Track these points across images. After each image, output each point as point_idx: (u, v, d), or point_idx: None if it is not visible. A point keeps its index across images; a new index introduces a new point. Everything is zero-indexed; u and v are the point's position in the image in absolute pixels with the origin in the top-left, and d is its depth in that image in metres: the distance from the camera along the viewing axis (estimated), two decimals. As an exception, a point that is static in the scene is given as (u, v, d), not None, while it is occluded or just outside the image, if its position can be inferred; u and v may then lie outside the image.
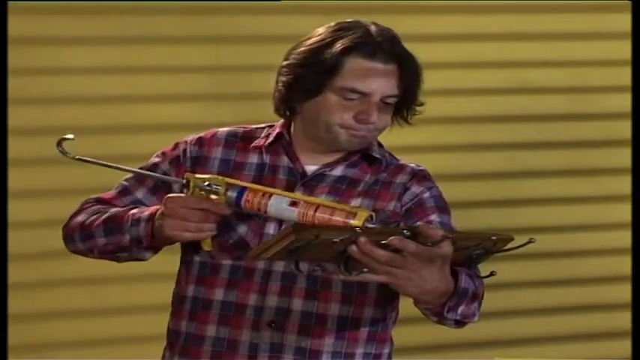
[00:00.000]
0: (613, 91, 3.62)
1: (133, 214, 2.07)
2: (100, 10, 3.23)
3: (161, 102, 3.32)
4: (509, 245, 1.89)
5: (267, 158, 2.13)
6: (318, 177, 2.11)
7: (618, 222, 3.60)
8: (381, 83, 2.04)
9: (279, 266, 2.06)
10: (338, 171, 2.12)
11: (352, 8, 3.27)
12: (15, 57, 3.10)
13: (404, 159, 2.19)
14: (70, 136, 2.03)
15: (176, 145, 2.18)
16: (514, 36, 3.57)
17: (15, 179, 3.01)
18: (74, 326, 3.31)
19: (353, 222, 1.88)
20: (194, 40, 3.34)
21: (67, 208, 2.98)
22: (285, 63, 2.09)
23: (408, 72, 2.06)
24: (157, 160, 2.18)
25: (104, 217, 2.11)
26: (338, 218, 1.90)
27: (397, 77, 2.05)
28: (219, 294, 2.09)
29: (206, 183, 1.99)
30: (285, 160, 2.13)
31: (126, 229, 2.07)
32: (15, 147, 3.01)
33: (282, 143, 2.14)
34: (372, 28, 2.07)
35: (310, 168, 2.12)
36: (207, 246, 2.04)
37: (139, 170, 2.10)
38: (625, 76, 3.42)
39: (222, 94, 3.36)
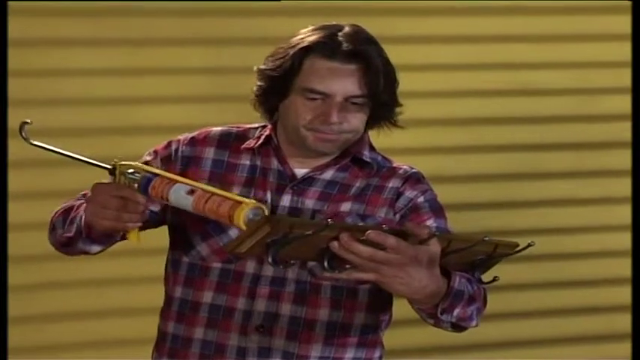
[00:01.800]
0: (615, 93, 3.61)
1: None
2: (100, 12, 3.22)
3: (163, 104, 3.32)
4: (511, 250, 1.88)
5: (258, 160, 2.12)
6: (308, 180, 2.10)
7: (621, 224, 3.60)
8: (341, 83, 2.01)
9: (269, 270, 2.05)
10: (328, 175, 2.11)
11: (354, 9, 3.27)
12: (15, 59, 3.09)
13: (398, 161, 2.16)
14: (28, 120, 2.00)
15: (169, 144, 2.16)
16: (515, 38, 3.57)
17: (15, 181, 3.01)
18: (74, 328, 3.31)
19: (237, 214, 1.81)
20: (196, 42, 3.33)
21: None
22: (257, 68, 2.09)
23: (372, 72, 2.02)
24: (148, 158, 2.15)
25: (65, 206, 2.09)
26: (225, 208, 1.83)
27: (360, 77, 2.02)
28: (207, 297, 2.07)
29: (130, 170, 1.94)
30: (275, 163, 2.11)
31: (76, 219, 2.03)
32: (15, 149, 3.01)
33: (271, 146, 2.12)
34: (345, 29, 2.05)
35: (300, 171, 2.11)
36: (132, 238, 1.97)
37: (84, 158, 1.99)
38: (627, 77, 3.42)
39: (225, 96, 3.36)
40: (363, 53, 2.02)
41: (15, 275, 2.94)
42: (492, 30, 3.56)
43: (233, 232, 2.05)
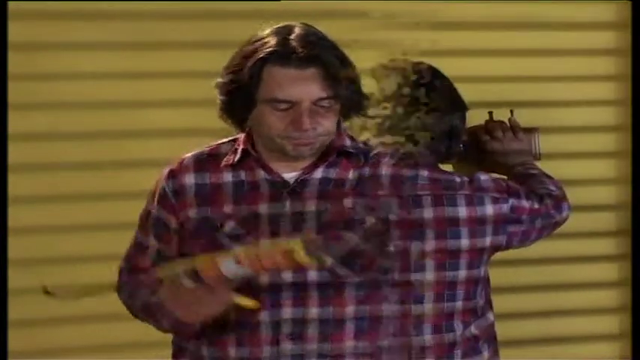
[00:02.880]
0: (614, 105, 3.60)
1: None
2: (104, 14, 3.21)
3: (169, 107, 3.30)
4: None
5: (242, 175, 2.11)
6: (301, 183, 2.09)
7: (623, 228, 3.59)
8: (305, 89, 2.01)
9: (288, 277, 2.04)
10: (318, 173, 2.10)
11: (358, 11, 3.26)
12: (15, 62, 3.09)
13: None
14: None
15: (156, 185, 2.18)
16: (517, 49, 3.55)
17: (15, 185, 3.00)
18: (75, 332, 3.30)
19: (297, 257, 1.86)
20: (203, 45, 3.32)
21: (67, 213, 2.98)
22: (217, 82, 2.10)
23: (331, 73, 2.01)
24: (152, 209, 2.19)
25: (143, 298, 2.19)
26: (280, 259, 1.88)
27: (321, 80, 2.01)
28: (231, 314, 2.07)
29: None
30: (261, 174, 2.10)
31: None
32: (15, 152, 3.01)
33: (252, 158, 2.11)
34: (296, 31, 2.06)
35: (289, 176, 2.10)
36: (247, 304, 2.00)
37: None
38: (621, 90, 3.44)
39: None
40: (318, 56, 2.01)
41: (15, 278, 2.94)
42: (494, 43, 3.54)
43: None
